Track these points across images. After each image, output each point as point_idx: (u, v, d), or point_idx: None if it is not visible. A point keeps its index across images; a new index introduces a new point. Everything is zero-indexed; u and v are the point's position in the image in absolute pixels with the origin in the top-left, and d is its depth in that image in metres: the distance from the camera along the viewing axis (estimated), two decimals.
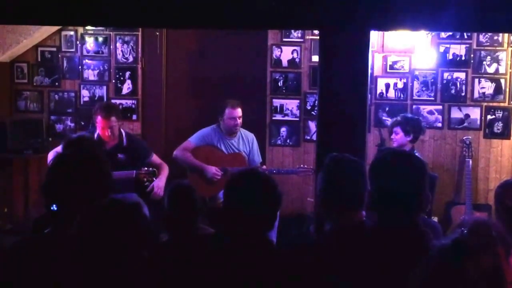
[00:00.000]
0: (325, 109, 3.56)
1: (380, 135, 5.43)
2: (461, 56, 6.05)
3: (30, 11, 3.64)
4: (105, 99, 6.38)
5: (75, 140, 3.57)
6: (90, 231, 1.92)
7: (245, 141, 5.43)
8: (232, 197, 2.41)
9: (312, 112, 6.19)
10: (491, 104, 6.04)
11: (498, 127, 6.04)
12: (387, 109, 6.13)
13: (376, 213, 2.36)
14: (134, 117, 6.45)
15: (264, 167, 5.57)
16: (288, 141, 6.30)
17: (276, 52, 6.25)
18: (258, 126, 6.08)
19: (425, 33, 5.81)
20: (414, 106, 6.12)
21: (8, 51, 6.24)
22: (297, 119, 6.28)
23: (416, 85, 6.11)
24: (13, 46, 6.18)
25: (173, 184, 3.32)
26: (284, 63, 6.24)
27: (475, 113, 6.06)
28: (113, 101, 6.25)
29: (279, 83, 6.26)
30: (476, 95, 6.06)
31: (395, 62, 6.11)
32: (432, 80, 6.09)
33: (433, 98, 6.10)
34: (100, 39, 6.43)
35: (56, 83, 6.51)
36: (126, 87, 6.45)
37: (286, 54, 6.24)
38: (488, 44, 6.01)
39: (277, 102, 6.28)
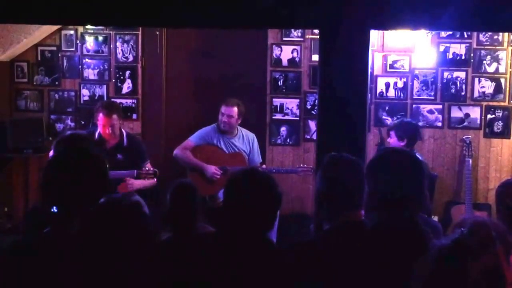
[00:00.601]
0: (325, 108, 3.56)
1: (380, 135, 5.44)
2: (461, 55, 6.05)
3: (30, 10, 3.64)
4: (105, 99, 6.37)
5: (66, 138, 3.46)
6: (90, 230, 1.92)
7: (246, 141, 5.43)
8: (232, 197, 2.41)
9: (312, 112, 6.19)
10: (491, 103, 6.04)
11: (498, 126, 6.04)
12: (387, 108, 6.12)
13: (374, 213, 2.36)
14: (134, 116, 6.45)
15: (264, 166, 5.58)
16: (288, 140, 6.30)
17: (276, 51, 6.25)
18: (258, 126, 6.09)
19: (425, 32, 5.81)
20: (414, 106, 6.12)
21: (8, 51, 6.23)
22: (297, 118, 6.28)
23: (416, 84, 6.11)
24: (13, 45, 6.18)
25: (175, 182, 3.35)
26: (284, 62, 6.24)
27: (475, 113, 6.06)
28: (113, 100, 6.24)
29: (279, 82, 6.26)
30: (476, 94, 6.06)
31: (395, 61, 6.11)
32: (432, 79, 6.09)
33: (433, 98, 6.10)
34: (100, 38, 6.43)
35: (56, 82, 6.51)
36: (126, 87, 6.45)
37: (286, 53, 6.23)
38: (488, 43, 6.01)
39: (277, 101, 6.28)
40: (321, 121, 3.62)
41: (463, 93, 6.07)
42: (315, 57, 5.89)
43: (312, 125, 6.20)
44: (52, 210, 2.19)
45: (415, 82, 6.11)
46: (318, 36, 4.35)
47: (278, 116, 6.29)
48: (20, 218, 6.27)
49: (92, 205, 2.09)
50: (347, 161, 2.55)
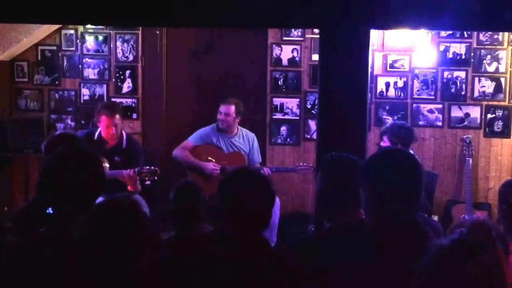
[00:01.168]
0: (325, 108, 3.56)
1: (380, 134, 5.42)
2: (461, 55, 6.05)
3: (30, 10, 3.65)
4: (105, 98, 6.37)
5: (55, 138, 3.41)
6: (90, 230, 1.92)
7: (246, 140, 5.44)
8: (224, 196, 2.44)
9: (312, 111, 6.19)
10: (491, 103, 6.04)
11: (498, 126, 6.04)
12: (387, 108, 6.12)
13: (374, 213, 2.36)
14: (134, 115, 6.45)
15: (265, 168, 5.57)
16: (288, 140, 6.30)
17: (276, 50, 6.25)
18: (258, 125, 6.09)
19: (425, 31, 5.81)
20: (414, 105, 6.11)
21: (8, 50, 6.23)
22: (297, 118, 6.28)
23: (416, 84, 6.11)
24: (13, 44, 6.17)
25: (180, 182, 3.39)
26: (284, 61, 6.24)
27: (475, 112, 6.06)
28: (113, 99, 6.25)
29: (279, 82, 6.26)
30: (476, 94, 6.05)
31: (395, 61, 6.11)
32: (432, 79, 6.09)
33: (433, 97, 6.10)
34: (100, 37, 6.43)
35: (56, 82, 6.51)
36: (126, 86, 6.45)
37: (286, 52, 6.23)
38: (488, 43, 6.01)
39: (277, 101, 6.28)
40: (321, 120, 3.62)
41: (463, 93, 6.07)
42: (315, 57, 5.89)
43: (312, 124, 6.20)
44: (47, 211, 2.18)
45: (415, 81, 6.10)
46: (318, 36, 4.35)
47: (278, 116, 6.29)
48: None
49: (88, 205, 2.09)
50: (347, 161, 2.55)
